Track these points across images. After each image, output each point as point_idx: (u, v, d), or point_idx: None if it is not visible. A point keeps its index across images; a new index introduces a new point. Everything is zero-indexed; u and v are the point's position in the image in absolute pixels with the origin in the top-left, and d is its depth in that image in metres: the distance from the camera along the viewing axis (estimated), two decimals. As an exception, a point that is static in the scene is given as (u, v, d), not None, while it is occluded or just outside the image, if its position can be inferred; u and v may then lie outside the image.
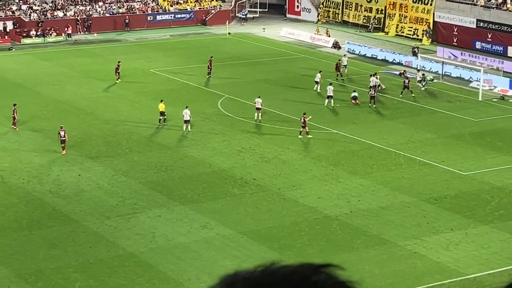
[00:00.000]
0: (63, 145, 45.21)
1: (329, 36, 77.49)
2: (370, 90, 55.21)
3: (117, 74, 60.79)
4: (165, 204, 38.50)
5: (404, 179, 41.84)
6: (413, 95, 56.48)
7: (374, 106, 54.57)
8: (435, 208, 38.12)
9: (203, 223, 36.46)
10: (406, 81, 57.24)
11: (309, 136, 47.79)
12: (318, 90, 57.97)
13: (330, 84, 55.76)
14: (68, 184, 40.98)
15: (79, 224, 36.28)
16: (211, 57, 63.38)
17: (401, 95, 56.62)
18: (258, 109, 50.99)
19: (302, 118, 47.77)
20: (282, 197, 39.32)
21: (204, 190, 40.26)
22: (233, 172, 42.55)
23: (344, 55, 65.37)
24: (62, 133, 45.30)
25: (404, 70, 61.79)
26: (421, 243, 34.68)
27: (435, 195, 39.62)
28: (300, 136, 47.71)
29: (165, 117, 50.18)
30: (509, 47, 69.28)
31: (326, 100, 54.58)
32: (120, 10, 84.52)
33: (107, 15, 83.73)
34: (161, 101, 51.14)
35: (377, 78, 56.72)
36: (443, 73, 62.25)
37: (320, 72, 59.09)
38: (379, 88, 57.16)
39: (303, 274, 2.46)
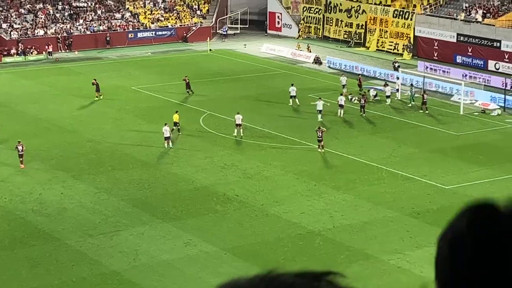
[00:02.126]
0: (21, 159, 45.69)
1: (310, 51, 77.72)
2: (361, 100, 56.05)
3: (97, 91, 60.57)
4: (148, 222, 38.36)
5: (386, 193, 41.89)
6: (427, 112, 57.01)
7: (364, 115, 55.65)
8: (418, 223, 38.16)
9: (186, 240, 36.36)
10: (425, 96, 57.64)
11: (319, 150, 47.99)
12: (298, 103, 58.18)
13: (341, 94, 56.83)
14: (50, 203, 40.77)
15: (62, 243, 36.07)
16: (186, 76, 62.92)
17: (425, 111, 56.97)
18: (238, 125, 51.06)
19: (319, 133, 47.89)
20: (265, 213, 39.27)
21: (187, 207, 40.16)
22: (216, 189, 42.49)
23: (342, 74, 65.28)
24: (20, 148, 45.73)
25: (386, 83, 61.99)
26: (404, 257, 34.70)
27: (417, 209, 39.68)
28: (321, 151, 47.89)
29: (178, 127, 51.21)
30: (489, 61, 69.72)
31: (339, 110, 55.22)
32: (101, 28, 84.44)
33: (88, 33, 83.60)
34: (176, 112, 52.18)
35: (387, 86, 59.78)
36: (424, 88, 62.46)
37: (292, 85, 59.37)
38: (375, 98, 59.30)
39: (303, 283, 2.44)
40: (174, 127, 51.09)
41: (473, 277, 2.38)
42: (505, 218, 2.39)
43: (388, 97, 59.47)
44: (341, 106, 55.73)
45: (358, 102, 57.48)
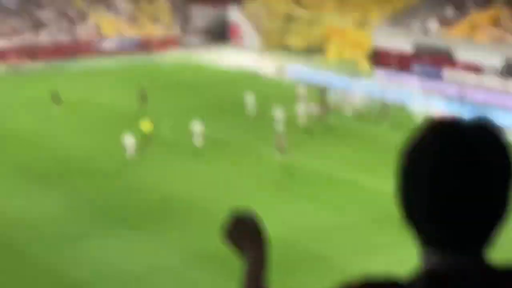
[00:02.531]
0: None
1: (271, 61, 78.28)
2: (320, 109, 57.03)
3: (57, 102, 60.71)
4: (111, 232, 38.41)
5: (348, 201, 42.51)
6: (387, 121, 57.70)
7: (323, 123, 56.75)
8: (379, 229, 38.72)
9: (149, 249, 36.53)
10: (385, 105, 58.41)
11: (281, 158, 48.46)
12: (254, 113, 58.86)
13: (301, 104, 57.71)
14: (11, 214, 40.71)
15: (23, 254, 35.98)
16: (141, 88, 63.19)
17: (385, 120, 57.71)
18: (197, 134, 51.57)
19: (281, 141, 48.39)
20: (228, 222, 39.59)
21: (149, 216, 40.28)
22: (179, 198, 42.82)
23: (300, 85, 65.88)
24: None
25: (345, 92, 62.78)
26: (367, 263, 35.13)
27: (379, 216, 40.15)
28: (284, 159, 48.38)
29: (148, 135, 51.68)
30: (445, 70, 70.81)
31: (300, 119, 56.28)
32: (64, 38, 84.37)
33: (51, 43, 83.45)
34: (146, 120, 52.82)
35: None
36: (382, 97, 63.40)
37: (249, 94, 59.99)
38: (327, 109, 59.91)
39: None
40: (145, 136, 51.77)
41: (433, 191, 2.41)
42: (467, 134, 2.43)
43: (347, 106, 60.31)
44: (302, 115, 56.47)
45: (317, 111, 58.10)
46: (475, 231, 2.42)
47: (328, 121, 57.27)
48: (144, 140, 51.70)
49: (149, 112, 60.16)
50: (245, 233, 2.99)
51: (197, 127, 51.80)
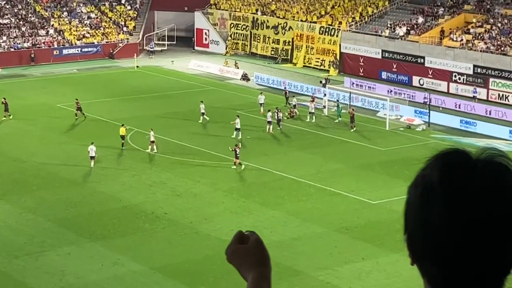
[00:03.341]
0: None
1: (237, 68, 77.84)
2: (278, 114, 56.65)
3: (6, 110, 59.40)
4: (75, 241, 37.81)
5: (315, 209, 42.08)
6: (355, 129, 57.05)
7: (280, 128, 56.45)
8: (346, 238, 38.41)
9: (114, 259, 35.92)
10: (353, 112, 57.87)
11: (236, 167, 47.92)
12: (207, 119, 58.17)
13: (269, 110, 56.99)
14: (-27, 224, 39.92)
15: (-15, 265, 35.34)
16: (76, 99, 61.53)
17: (353, 128, 57.02)
18: (152, 142, 50.94)
19: (237, 149, 47.81)
20: (194, 230, 39.06)
21: (114, 226, 39.71)
22: (144, 207, 42.13)
23: (261, 93, 65.00)
24: None
25: (312, 99, 62.31)
26: (334, 273, 34.86)
27: (345, 224, 39.94)
28: (240, 167, 47.78)
29: (123, 141, 51.60)
30: (413, 77, 70.77)
31: (267, 126, 55.76)
32: (25, 45, 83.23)
33: (12, 49, 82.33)
34: (122, 125, 52.58)
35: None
36: (351, 104, 63.04)
37: (202, 102, 59.38)
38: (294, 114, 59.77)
39: None
40: (123, 141, 51.64)
41: (441, 229, 2.40)
42: (476, 173, 2.40)
43: (312, 113, 59.64)
44: (269, 122, 55.94)
45: (283, 118, 57.51)
46: (485, 275, 2.35)
47: (295, 128, 56.75)
48: (120, 146, 51.53)
49: (115, 119, 59.32)
50: (248, 253, 2.93)
51: (152, 133, 51.36)
